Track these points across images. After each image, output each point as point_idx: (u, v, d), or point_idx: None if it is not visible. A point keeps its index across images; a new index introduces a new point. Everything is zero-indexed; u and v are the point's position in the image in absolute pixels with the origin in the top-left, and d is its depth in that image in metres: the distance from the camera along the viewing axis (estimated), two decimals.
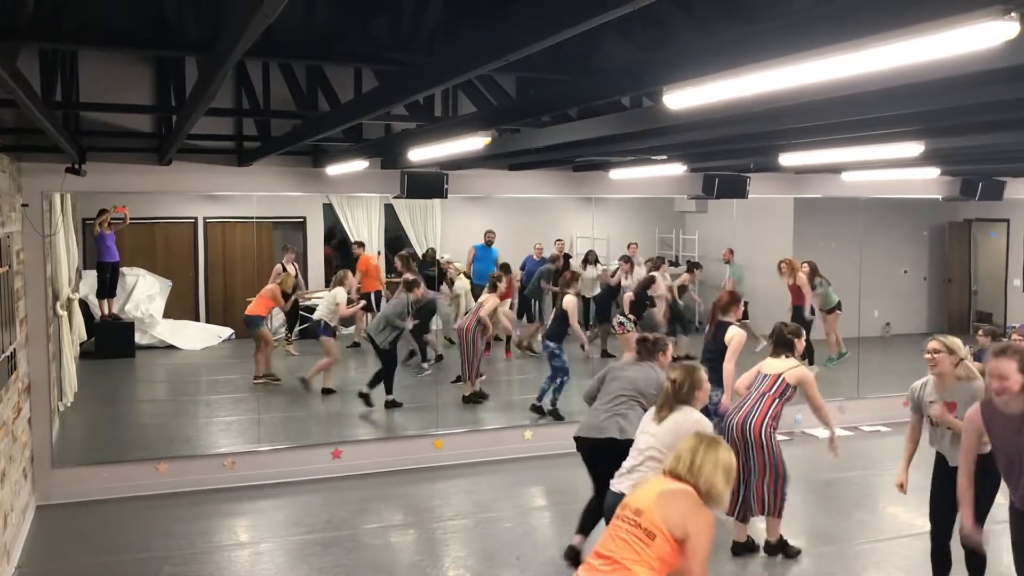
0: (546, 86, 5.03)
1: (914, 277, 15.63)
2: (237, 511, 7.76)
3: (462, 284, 12.94)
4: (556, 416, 9.65)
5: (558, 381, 9.72)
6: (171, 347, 13.45)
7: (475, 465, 8.80)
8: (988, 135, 5.66)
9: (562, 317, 9.82)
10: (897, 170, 8.91)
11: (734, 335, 7.29)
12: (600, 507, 5.74)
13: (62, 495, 7.65)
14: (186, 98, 5.67)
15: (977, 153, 7.93)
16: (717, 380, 7.04)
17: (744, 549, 6.47)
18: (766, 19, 3.14)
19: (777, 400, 6.25)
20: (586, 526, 6.14)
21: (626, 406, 5.85)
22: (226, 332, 13.96)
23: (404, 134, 6.59)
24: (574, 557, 5.99)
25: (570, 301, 9.81)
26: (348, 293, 11.06)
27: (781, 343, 6.46)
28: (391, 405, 10.18)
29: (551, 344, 9.83)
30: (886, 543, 6.66)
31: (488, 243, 13.47)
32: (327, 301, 10.86)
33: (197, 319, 14.29)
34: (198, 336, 13.79)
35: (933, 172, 9.34)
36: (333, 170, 8.02)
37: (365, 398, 10.21)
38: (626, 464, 5.08)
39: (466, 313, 11.43)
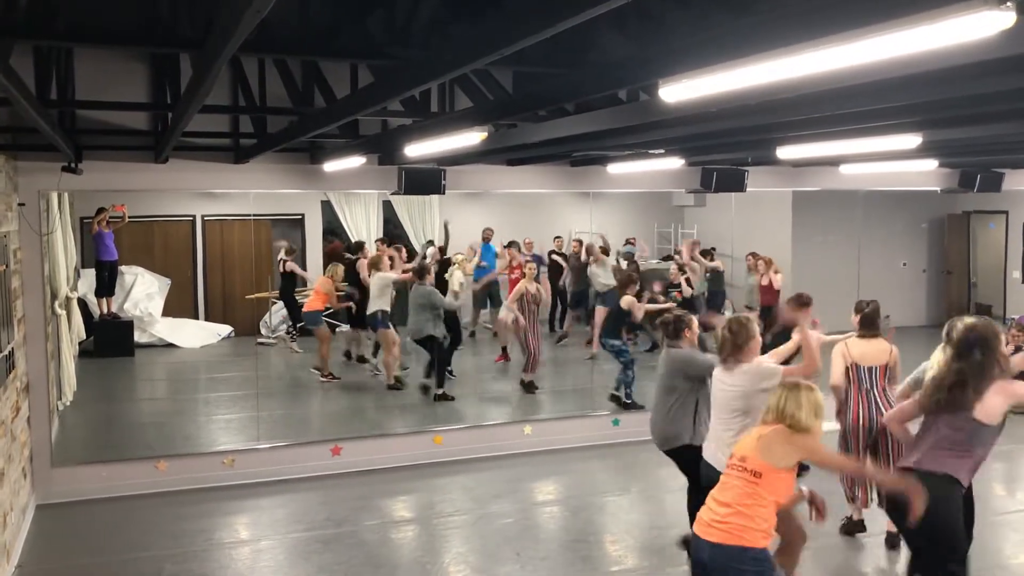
0: (542, 80, 5.02)
1: (913, 269, 15.63)
2: (237, 509, 7.76)
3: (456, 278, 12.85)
4: (636, 406, 9.60)
5: (630, 374, 9.74)
6: (170, 345, 13.45)
7: (475, 461, 8.79)
8: (986, 126, 5.64)
9: (615, 316, 9.81)
10: (895, 162, 8.89)
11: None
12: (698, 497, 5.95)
13: (62, 494, 7.65)
14: (181, 95, 5.65)
15: (975, 145, 7.92)
16: None
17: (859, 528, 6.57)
18: (761, 11, 3.13)
19: (888, 386, 6.25)
20: None
21: (678, 403, 5.88)
22: (225, 330, 13.97)
23: (401, 130, 6.57)
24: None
25: (628, 300, 9.81)
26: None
27: (869, 323, 6.36)
28: (442, 398, 10.12)
29: (613, 343, 9.79)
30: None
31: (486, 240, 13.46)
32: (375, 290, 10.66)
33: (196, 317, 14.29)
34: (197, 334, 13.79)
35: (931, 164, 9.32)
36: (330, 167, 8.01)
37: (424, 389, 10.24)
38: (713, 428, 5.32)
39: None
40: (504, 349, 12.34)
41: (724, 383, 5.33)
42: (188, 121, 5.26)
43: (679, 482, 6.21)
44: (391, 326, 10.64)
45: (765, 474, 4.07)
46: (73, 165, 7.15)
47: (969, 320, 4.69)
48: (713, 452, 5.32)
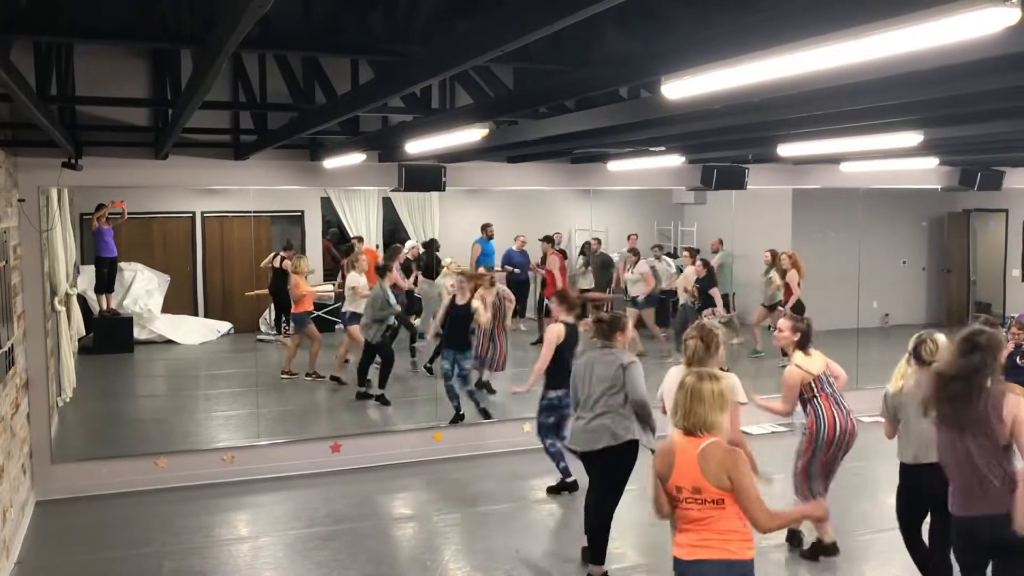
0: (544, 77, 5.00)
1: (913, 268, 15.63)
2: (237, 505, 7.76)
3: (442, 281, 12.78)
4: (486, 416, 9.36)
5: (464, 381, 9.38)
6: (170, 342, 13.43)
7: (475, 458, 8.80)
8: (986, 124, 5.64)
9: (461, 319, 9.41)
10: (896, 160, 8.89)
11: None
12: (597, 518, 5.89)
13: (61, 490, 7.65)
14: (182, 91, 5.64)
15: (976, 143, 7.92)
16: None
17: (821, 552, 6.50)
18: (763, 8, 3.12)
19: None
20: (600, 550, 5.93)
21: (608, 406, 5.75)
22: (224, 327, 13.96)
23: (401, 127, 6.57)
24: None
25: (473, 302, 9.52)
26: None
27: (809, 341, 6.35)
28: (380, 400, 10.13)
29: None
30: (887, 534, 6.64)
31: (489, 237, 13.43)
32: (348, 289, 10.74)
33: (196, 314, 14.27)
34: (197, 331, 13.78)
35: (932, 162, 9.32)
36: (330, 163, 8.00)
37: (381, 398, 10.16)
38: None
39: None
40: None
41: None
42: (188, 117, 5.25)
43: None
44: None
45: (726, 499, 3.69)
46: (73, 161, 7.14)
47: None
48: None
